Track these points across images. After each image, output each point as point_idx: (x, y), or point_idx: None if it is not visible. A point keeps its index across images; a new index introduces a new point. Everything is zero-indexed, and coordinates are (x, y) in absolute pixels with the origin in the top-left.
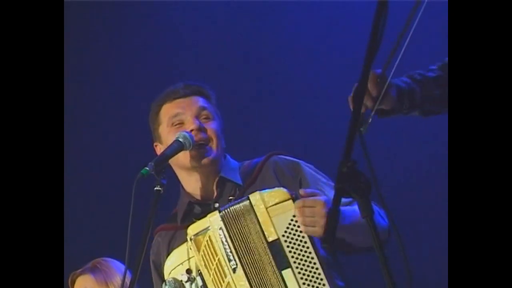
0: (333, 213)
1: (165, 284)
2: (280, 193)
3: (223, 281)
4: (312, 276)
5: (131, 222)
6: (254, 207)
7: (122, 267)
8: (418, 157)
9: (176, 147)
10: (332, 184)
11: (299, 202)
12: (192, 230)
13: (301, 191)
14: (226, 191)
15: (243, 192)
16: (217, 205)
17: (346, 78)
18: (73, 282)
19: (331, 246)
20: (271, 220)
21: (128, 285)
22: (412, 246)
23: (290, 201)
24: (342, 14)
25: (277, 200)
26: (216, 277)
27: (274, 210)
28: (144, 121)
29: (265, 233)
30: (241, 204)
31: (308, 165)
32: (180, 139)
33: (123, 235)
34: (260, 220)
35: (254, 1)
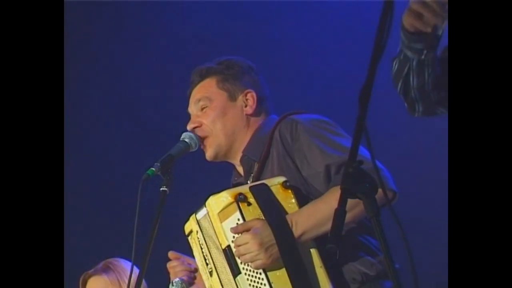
0: (339, 214)
1: (172, 285)
2: (224, 197)
3: (208, 282)
4: (257, 282)
5: (137, 223)
6: (209, 214)
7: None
8: (419, 156)
9: (182, 148)
10: (337, 139)
11: (235, 242)
12: (185, 229)
13: (231, 230)
14: (249, 168)
15: (260, 168)
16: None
17: (352, 77)
18: (85, 282)
19: (337, 246)
20: (222, 227)
21: (134, 284)
22: (413, 244)
23: (234, 204)
24: (349, 13)
25: (223, 205)
26: (205, 276)
27: (223, 216)
28: (146, 120)
29: (219, 239)
30: (203, 209)
31: (311, 122)
32: (186, 140)
33: (128, 236)
34: (214, 226)
35: (255, 1)
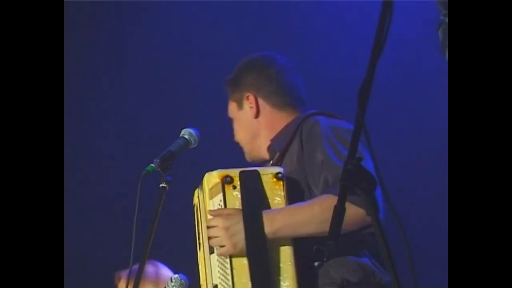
0: (338, 210)
1: (171, 281)
2: (214, 176)
3: (199, 253)
4: (223, 264)
5: (136, 219)
6: (203, 189)
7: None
8: (419, 154)
9: (182, 144)
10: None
11: (207, 223)
12: (193, 200)
13: (209, 211)
14: (272, 157)
15: (279, 158)
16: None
17: (352, 76)
18: None
19: (336, 243)
20: (209, 203)
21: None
22: (412, 242)
23: (219, 184)
24: (349, 13)
25: (212, 184)
26: (197, 248)
27: (211, 193)
28: (145, 118)
29: (207, 215)
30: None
31: (331, 128)
32: (186, 136)
33: (128, 233)
34: (205, 201)
35: (255, 0)
